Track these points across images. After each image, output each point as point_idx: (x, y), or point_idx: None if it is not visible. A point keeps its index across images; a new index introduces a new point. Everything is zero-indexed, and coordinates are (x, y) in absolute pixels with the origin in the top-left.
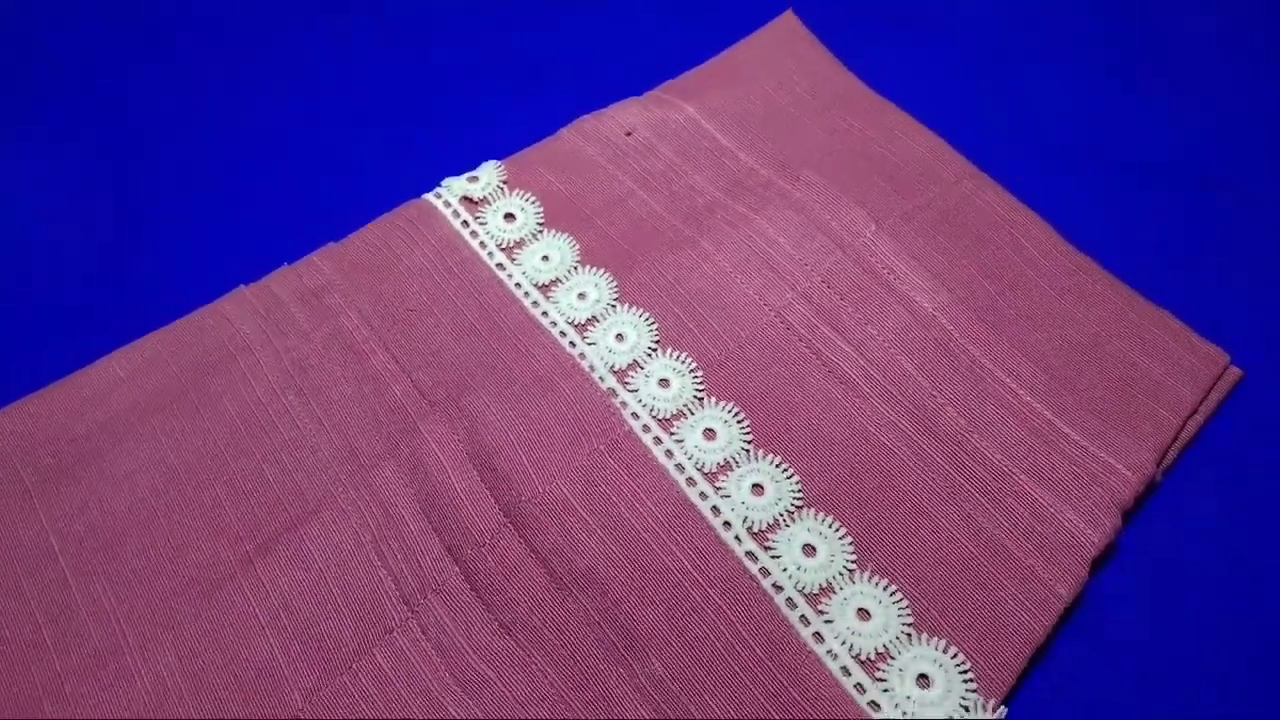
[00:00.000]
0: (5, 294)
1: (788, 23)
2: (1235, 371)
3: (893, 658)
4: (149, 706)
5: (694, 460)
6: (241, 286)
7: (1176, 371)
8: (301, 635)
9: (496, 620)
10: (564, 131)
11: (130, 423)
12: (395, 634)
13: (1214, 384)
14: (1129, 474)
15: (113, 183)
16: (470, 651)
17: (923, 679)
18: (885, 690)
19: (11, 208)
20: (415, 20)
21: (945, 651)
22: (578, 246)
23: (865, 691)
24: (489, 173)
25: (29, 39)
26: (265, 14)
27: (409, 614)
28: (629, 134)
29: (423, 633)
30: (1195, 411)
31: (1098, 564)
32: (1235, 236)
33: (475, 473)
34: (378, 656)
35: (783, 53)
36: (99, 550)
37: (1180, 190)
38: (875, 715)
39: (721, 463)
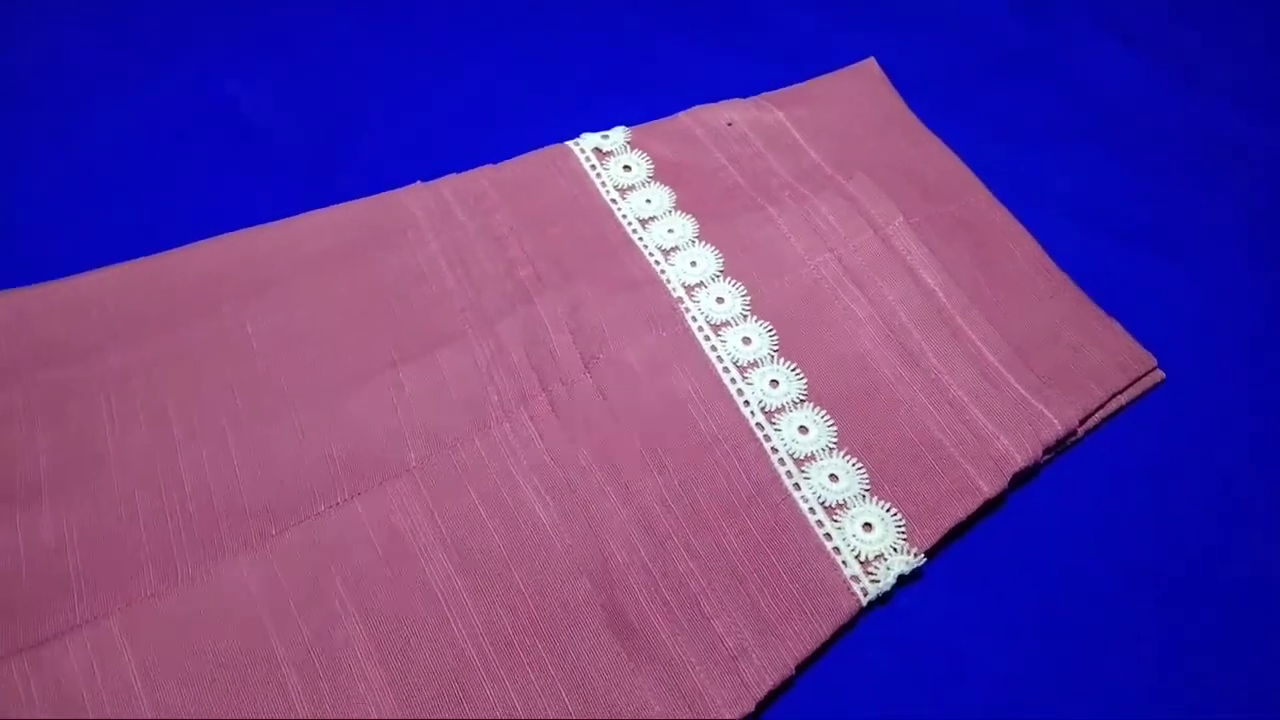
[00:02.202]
0: (251, 163)
1: (869, 66)
2: (1159, 374)
3: (849, 508)
4: (300, 446)
5: (732, 356)
6: (418, 183)
7: (1112, 361)
8: (424, 419)
9: (566, 432)
10: (681, 115)
11: (319, 262)
12: (491, 429)
13: (1139, 378)
14: (1055, 422)
15: (333, 102)
16: (544, 449)
17: (867, 526)
18: (839, 529)
19: (248, 114)
20: (581, 45)
21: (889, 511)
22: (675, 197)
23: (824, 526)
24: (618, 134)
25: None
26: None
27: (504, 418)
28: (730, 124)
29: (512, 431)
30: (1120, 393)
31: (1019, 480)
32: (1183, 276)
33: (569, 335)
34: (477, 442)
35: (860, 86)
36: (281, 344)
37: (1146, 235)
38: (827, 544)
39: (752, 360)
